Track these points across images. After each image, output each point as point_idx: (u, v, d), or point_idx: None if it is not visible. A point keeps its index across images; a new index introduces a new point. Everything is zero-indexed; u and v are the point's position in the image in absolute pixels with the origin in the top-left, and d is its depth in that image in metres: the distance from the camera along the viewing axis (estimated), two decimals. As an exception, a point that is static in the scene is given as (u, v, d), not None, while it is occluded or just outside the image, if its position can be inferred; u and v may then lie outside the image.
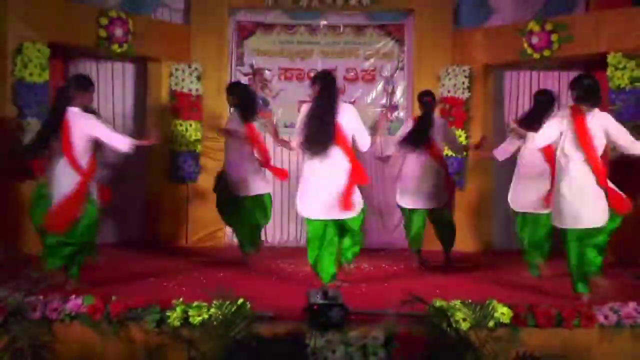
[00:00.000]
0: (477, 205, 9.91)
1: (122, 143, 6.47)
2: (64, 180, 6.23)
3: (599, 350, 4.84)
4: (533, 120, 7.01)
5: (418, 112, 8.30)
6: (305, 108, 6.65)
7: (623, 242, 8.38)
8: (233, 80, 10.23)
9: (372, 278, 7.40)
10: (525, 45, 9.37)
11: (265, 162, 8.10)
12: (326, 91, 6.52)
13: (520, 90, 10.36)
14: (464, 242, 9.83)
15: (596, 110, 6.09)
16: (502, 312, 4.79)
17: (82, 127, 6.32)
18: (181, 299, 4.90)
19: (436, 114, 8.44)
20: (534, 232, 7.27)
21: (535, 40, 9.29)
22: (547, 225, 6.88)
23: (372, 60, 10.49)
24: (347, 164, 6.42)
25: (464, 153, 9.65)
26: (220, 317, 4.61)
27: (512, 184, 7.47)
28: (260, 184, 8.02)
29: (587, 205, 5.98)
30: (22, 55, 8.34)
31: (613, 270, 7.71)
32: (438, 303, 4.86)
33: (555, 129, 6.20)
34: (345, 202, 6.35)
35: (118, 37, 9.27)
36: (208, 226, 9.96)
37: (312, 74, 10.13)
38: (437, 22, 10.10)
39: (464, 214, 9.90)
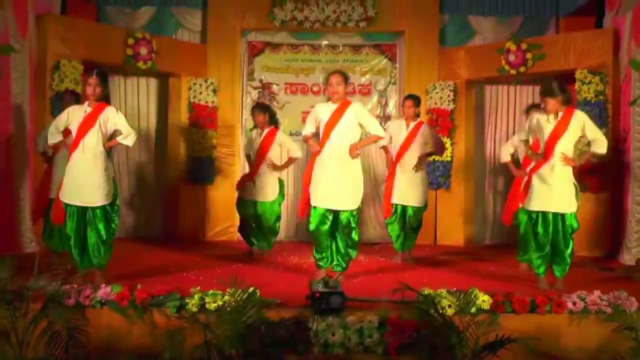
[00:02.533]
0: (461, 204, 9.90)
1: None
2: None
3: (568, 333, 4.83)
4: None
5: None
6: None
7: (590, 237, 8.44)
8: (245, 93, 10.41)
9: (367, 269, 7.38)
10: (503, 62, 9.38)
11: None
12: None
13: (499, 102, 10.38)
14: (450, 237, 9.87)
15: None
16: (483, 300, 4.79)
17: None
18: (198, 288, 4.90)
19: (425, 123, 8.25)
20: None
21: (512, 58, 9.30)
22: None
23: (367, 76, 10.49)
24: None
25: (449, 157, 9.71)
26: (233, 303, 4.60)
27: None
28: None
29: None
30: (59, 71, 8.38)
31: (581, 262, 7.76)
32: (426, 291, 4.85)
33: None
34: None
35: (143, 55, 9.30)
36: (222, 223, 9.96)
37: (314, 88, 10.26)
38: (425, 42, 10.10)
39: (449, 212, 9.92)
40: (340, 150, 6.28)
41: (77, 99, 6.91)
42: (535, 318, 4.86)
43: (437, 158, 9.57)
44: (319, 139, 6.43)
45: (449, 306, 4.69)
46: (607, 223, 8.44)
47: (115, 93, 10.00)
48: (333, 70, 6.67)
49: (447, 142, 9.74)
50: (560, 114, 6.03)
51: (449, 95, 9.85)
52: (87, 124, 5.85)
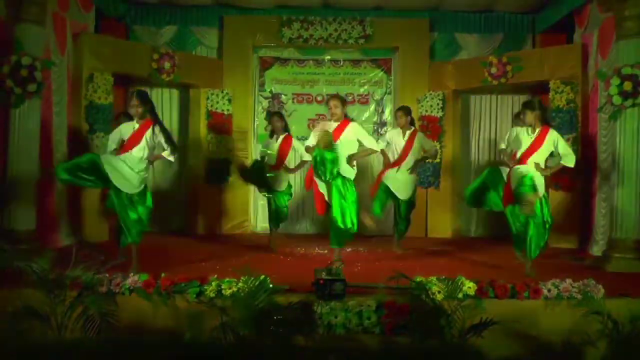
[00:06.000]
0: (449, 201, 9.88)
1: None
2: None
3: (544, 317, 4.83)
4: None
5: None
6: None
7: (562, 230, 8.43)
8: (257, 103, 10.41)
9: (366, 259, 7.39)
10: (486, 74, 9.35)
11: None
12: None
13: (482, 109, 10.35)
14: (439, 230, 9.86)
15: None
16: (469, 286, 4.78)
17: None
18: (216, 276, 4.91)
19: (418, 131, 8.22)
20: None
21: (494, 70, 9.27)
22: None
23: (366, 87, 10.47)
24: None
25: (438, 159, 9.70)
26: (247, 289, 4.61)
27: None
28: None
29: None
30: (92, 82, 8.38)
31: (553, 252, 7.75)
32: (418, 278, 4.86)
33: None
34: None
35: (166, 69, 9.29)
36: (236, 218, 9.96)
37: (319, 98, 10.24)
38: (417, 57, 10.08)
39: (438, 208, 9.90)
40: None
41: (130, 118, 6.86)
42: (515, 303, 4.86)
43: (428, 160, 9.59)
44: None
45: (439, 292, 4.69)
46: (577, 218, 8.42)
47: (141, 103, 10.03)
48: (332, 95, 6.98)
49: (436, 145, 9.73)
50: (537, 130, 6.21)
51: (438, 104, 9.83)
52: (135, 139, 6.05)
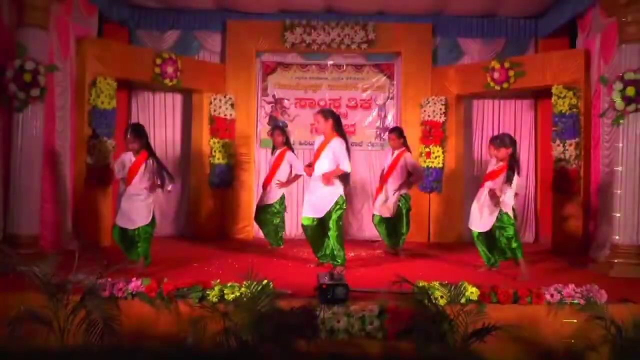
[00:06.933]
0: (452, 205, 9.87)
1: None
2: None
3: (546, 322, 4.82)
4: None
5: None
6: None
7: (563, 234, 8.41)
8: (260, 107, 10.41)
9: (368, 263, 7.38)
10: (489, 79, 9.34)
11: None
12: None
13: (485, 114, 10.35)
14: (441, 235, 9.84)
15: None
16: (472, 291, 4.79)
17: None
18: (218, 280, 4.92)
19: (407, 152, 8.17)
20: None
21: (496, 75, 9.26)
22: None
23: (368, 91, 10.46)
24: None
25: (441, 164, 9.71)
26: (249, 294, 4.61)
27: None
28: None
29: None
30: (95, 87, 8.38)
31: (555, 256, 7.74)
32: (421, 283, 4.86)
33: None
34: None
35: (169, 73, 9.29)
36: (239, 222, 9.94)
37: (321, 103, 10.25)
38: (419, 61, 10.08)
39: (441, 212, 9.89)
40: (317, 176, 6.66)
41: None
42: (517, 308, 4.86)
43: (430, 165, 9.66)
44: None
45: (441, 297, 4.70)
46: (579, 222, 8.39)
47: (144, 107, 10.07)
48: (318, 110, 7.17)
49: (439, 150, 9.75)
50: (500, 164, 6.66)
51: (440, 109, 9.82)
52: (133, 172, 6.53)
